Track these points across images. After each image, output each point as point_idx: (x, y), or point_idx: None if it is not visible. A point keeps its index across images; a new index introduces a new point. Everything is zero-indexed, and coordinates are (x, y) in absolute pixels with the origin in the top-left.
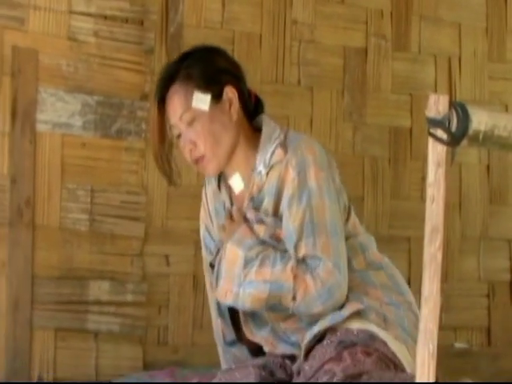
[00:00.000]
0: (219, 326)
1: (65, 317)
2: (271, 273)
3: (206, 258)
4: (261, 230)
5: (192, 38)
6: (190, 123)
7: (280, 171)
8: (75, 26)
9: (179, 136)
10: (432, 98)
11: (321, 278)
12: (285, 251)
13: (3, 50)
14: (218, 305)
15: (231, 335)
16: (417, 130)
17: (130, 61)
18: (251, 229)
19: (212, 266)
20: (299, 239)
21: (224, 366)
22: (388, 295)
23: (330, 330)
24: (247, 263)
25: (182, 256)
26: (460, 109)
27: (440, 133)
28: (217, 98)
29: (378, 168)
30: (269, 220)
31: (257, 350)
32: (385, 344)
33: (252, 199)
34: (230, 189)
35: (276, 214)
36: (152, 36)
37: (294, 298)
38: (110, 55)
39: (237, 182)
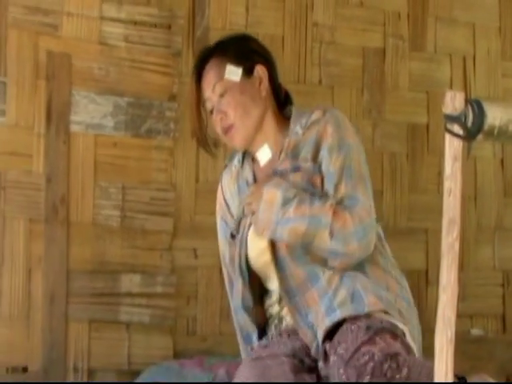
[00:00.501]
0: (239, 290)
1: (98, 309)
2: (310, 209)
3: (223, 245)
4: (298, 178)
5: None
6: (222, 94)
7: (318, 129)
8: (106, 31)
9: (212, 111)
10: (448, 95)
11: (359, 215)
12: (320, 197)
13: (38, 55)
14: (241, 269)
15: (249, 301)
16: (433, 126)
17: (159, 64)
18: (286, 179)
19: (232, 236)
20: (339, 181)
21: (242, 347)
22: (401, 290)
23: (351, 317)
24: (285, 203)
25: (209, 249)
26: (476, 105)
27: (456, 128)
28: (248, 73)
29: (396, 163)
30: (307, 165)
31: (262, 327)
32: (404, 334)
33: (287, 154)
34: (253, 165)
35: (314, 161)
36: (179, 40)
37: (331, 233)
38: (139, 58)
39: (265, 152)
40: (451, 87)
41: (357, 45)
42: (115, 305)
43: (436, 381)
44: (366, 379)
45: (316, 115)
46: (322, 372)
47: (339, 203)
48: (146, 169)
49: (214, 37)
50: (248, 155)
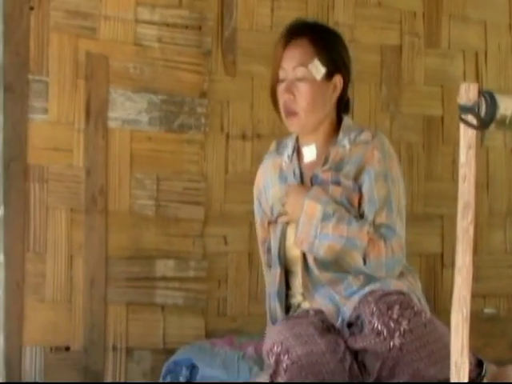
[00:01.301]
0: (277, 277)
1: (135, 292)
2: (348, 230)
3: (258, 224)
4: (337, 192)
5: (245, 41)
6: (300, 79)
7: (365, 150)
8: (141, 33)
9: (283, 80)
10: (463, 87)
11: (392, 247)
12: (356, 217)
13: (78, 56)
14: (279, 258)
15: (283, 290)
16: (448, 118)
17: (190, 63)
18: (325, 190)
19: (269, 223)
20: (381, 208)
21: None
22: (420, 290)
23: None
24: (325, 218)
25: (238, 236)
26: (488, 96)
27: (470, 118)
28: (328, 76)
29: (413, 153)
30: (348, 183)
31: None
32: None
33: (331, 164)
34: (299, 160)
35: (355, 180)
36: (209, 40)
37: (364, 258)
38: (172, 58)
39: (311, 152)
40: (464, 81)
41: (375, 42)
42: (151, 288)
43: (452, 355)
44: (396, 309)
45: (365, 136)
46: (353, 316)
47: (376, 230)
48: (178, 161)
49: (241, 37)
50: (295, 151)
